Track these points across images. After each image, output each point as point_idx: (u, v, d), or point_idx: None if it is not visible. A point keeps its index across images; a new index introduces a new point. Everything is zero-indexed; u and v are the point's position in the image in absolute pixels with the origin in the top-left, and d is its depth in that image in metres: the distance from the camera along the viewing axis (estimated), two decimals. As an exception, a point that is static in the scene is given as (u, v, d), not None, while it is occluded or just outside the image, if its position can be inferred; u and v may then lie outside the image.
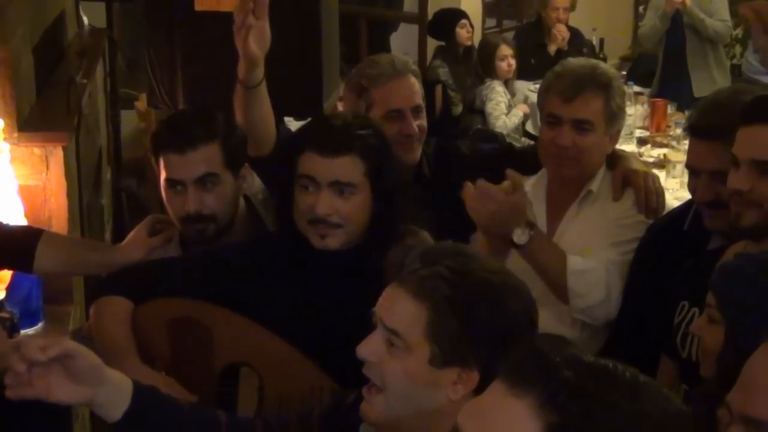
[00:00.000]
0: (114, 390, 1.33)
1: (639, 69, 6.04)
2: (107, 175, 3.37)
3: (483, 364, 1.24)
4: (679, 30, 5.01)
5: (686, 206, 2.02)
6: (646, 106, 4.52)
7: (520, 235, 1.87)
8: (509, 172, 1.96)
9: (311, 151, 1.71)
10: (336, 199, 1.72)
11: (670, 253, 1.85)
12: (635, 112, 4.34)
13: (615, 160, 2.13)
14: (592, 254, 1.96)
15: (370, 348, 1.28)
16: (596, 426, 0.82)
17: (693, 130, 1.85)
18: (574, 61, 2.25)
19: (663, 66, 5.20)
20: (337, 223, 1.72)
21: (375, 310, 1.30)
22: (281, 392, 1.74)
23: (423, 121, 2.23)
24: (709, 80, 4.96)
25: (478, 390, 1.19)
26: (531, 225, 1.89)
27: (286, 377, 1.76)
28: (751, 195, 1.62)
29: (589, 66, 2.16)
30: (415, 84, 2.27)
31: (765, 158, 1.58)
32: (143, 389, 1.39)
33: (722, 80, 4.98)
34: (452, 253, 1.31)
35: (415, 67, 2.36)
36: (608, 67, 2.39)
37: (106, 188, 3.22)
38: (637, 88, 4.89)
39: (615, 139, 2.16)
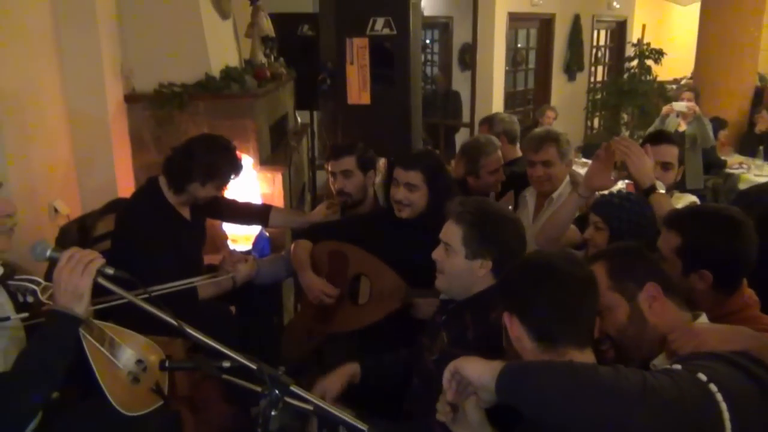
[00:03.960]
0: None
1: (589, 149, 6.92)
2: (308, 197, 4.58)
3: (494, 257, 1.86)
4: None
5: None
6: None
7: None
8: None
9: (397, 165, 2.56)
10: (407, 192, 2.49)
11: None
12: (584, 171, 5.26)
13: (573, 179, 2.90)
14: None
15: (437, 254, 1.94)
16: None
17: None
18: (538, 129, 3.13)
19: None
20: (407, 204, 2.50)
21: (440, 236, 1.92)
22: (380, 289, 2.45)
23: (501, 177, 3.25)
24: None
25: (493, 269, 1.86)
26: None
27: (383, 282, 2.44)
28: None
29: (545, 130, 3.01)
30: (500, 153, 3.28)
31: None
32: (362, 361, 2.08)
33: None
34: (474, 200, 1.98)
35: (498, 144, 3.33)
36: (556, 129, 3.07)
37: (306, 205, 4.38)
38: (585, 160, 5.86)
39: (569, 165, 2.99)
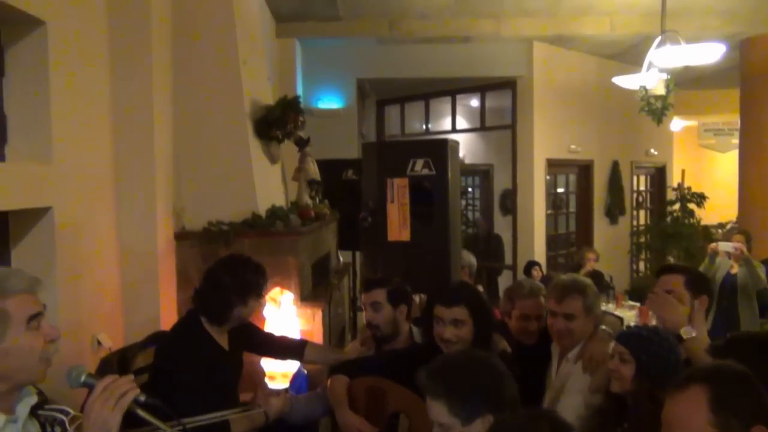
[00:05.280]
0: None
1: (636, 292, 7.05)
2: (348, 338, 4.62)
3: (490, 408, 1.71)
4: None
5: None
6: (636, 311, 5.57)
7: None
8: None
9: (439, 304, 2.49)
10: (455, 329, 2.43)
11: None
12: (631, 314, 5.53)
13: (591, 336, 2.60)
14: None
15: None
16: None
17: None
18: (564, 276, 2.82)
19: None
20: (456, 342, 2.42)
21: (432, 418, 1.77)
22: (419, 428, 2.30)
23: (542, 323, 2.90)
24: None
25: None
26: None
27: (422, 419, 2.10)
28: None
29: (571, 279, 2.70)
30: (541, 301, 2.95)
31: None
32: None
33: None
34: (437, 366, 1.80)
35: (543, 291, 2.99)
36: (585, 279, 2.79)
37: (346, 345, 4.37)
38: (632, 302, 6.11)
39: (595, 320, 2.63)
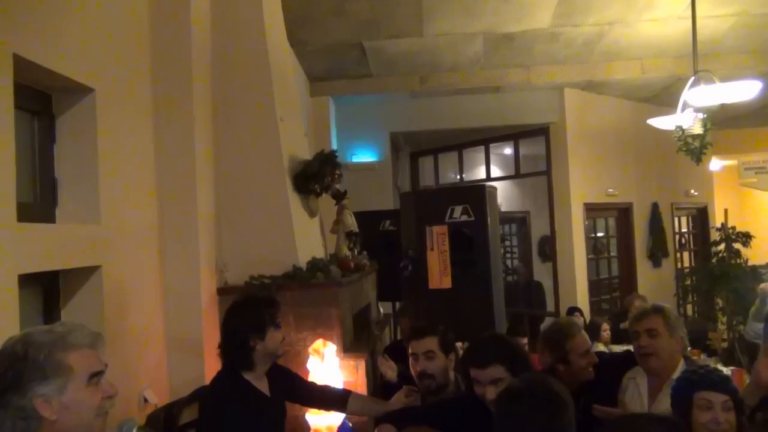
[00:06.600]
0: None
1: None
2: None
3: None
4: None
5: None
6: None
7: None
8: None
9: (472, 366, 2.39)
10: (495, 388, 2.31)
11: None
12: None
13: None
14: None
15: None
16: None
17: None
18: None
19: None
20: None
21: None
22: None
23: (594, 359, 2.88)
24: None
25: None
26: None
27: None
28: None
29: (651, 305, 2.89)
30: (584, 335, 2.94)
31: None
32: None
33: None
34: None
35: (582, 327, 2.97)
36: (662, 303, 2.91)
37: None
38: None
39: (680, 343, 2.74)
